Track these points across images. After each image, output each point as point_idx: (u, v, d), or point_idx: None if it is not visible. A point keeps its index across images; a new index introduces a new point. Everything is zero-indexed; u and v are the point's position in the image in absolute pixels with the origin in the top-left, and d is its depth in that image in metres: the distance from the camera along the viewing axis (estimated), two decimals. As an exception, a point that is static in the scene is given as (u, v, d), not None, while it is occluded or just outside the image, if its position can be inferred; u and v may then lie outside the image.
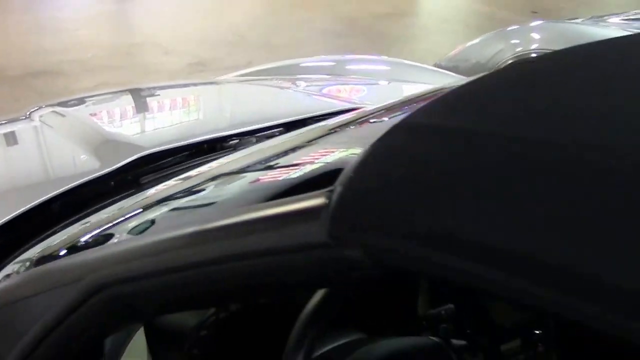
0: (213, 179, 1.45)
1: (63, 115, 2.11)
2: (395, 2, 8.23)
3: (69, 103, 2.24)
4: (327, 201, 0.72)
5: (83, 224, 1.39)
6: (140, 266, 0.88)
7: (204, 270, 0.83)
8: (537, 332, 1.47)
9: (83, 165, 1.79)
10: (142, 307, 0.91)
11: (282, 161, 1.48)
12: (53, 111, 2.14)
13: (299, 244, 0.75)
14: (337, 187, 0.72)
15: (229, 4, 7.96)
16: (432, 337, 1.23)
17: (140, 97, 2.43)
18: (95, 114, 2.24)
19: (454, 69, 3.31)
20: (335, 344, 1.16)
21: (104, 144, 1.87)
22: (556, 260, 0.51)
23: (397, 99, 1.81)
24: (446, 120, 0.71)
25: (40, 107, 2.18)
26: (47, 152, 1.97)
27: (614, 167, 0.54)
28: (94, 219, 1.39)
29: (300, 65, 3.01)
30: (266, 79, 2.67)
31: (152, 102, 2.44)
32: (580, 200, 0.53)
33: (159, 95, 2.52)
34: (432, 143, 0.69)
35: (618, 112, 0.61)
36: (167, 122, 2.28)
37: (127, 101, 2.42)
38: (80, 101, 2.30)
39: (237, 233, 0.83)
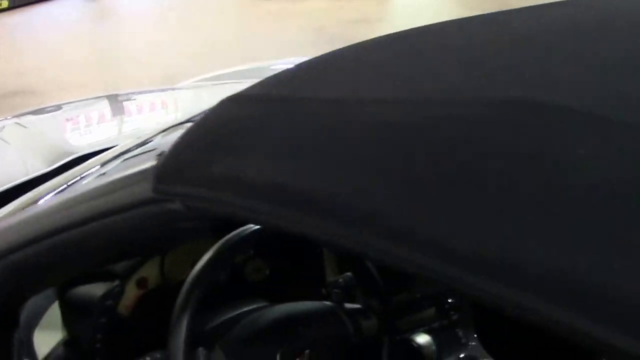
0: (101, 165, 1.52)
1: (25, 127, 2.20)
2: (365, 8, 8.36)
3: (46, 110, 2.33)
4: (154, 163, 0.85)
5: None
6: (24, 234, 1.00)
7: (64, 236, 0.96)
8: (450, 300, 1.53)
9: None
10: (32, 274, 1.04)
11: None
12: (16, 123, 2.22)
13: (132, 201, 0.88)
14: (166, 151, 0.85)
15: (204, 18, 8.04)
16: (325, 302, 1.29)
17: (116, 103, 2.52)
18: (71, 119, 2.33)
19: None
20: (234, 313, 1.25)
21: (60, 155, 1.96)
22: (344, 198, 0.61)
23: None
24: (255, 90, 0.84)
25: (5, 119, 2.27)
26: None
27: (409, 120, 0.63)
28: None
29: (271, 67, 3.06)
30: (236, 82, 2.74)
31: (128, 106, 2.53)
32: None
33: (134, 100, 2.61)
34: (239, 110, 0.82)
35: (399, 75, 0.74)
36: (133, 128, 2.38)
37: (104, 107, 2.50)
38: (57, 108, 2.39)
39: (85, 199, 0.97)
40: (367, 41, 0.87)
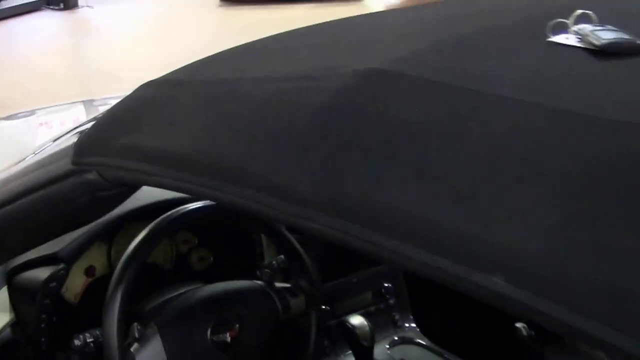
0: None
1: None
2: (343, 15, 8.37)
3: (19, 115, 2.30)
4: (76, 139, 0.96)
5: None
6: None
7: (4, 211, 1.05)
8: (387, 285, 1.62)
9: None
10: None
11: None
12: None
13: (56, 175, 0.96)
14: (87, 129, 0.95)
15: (182, 30, 8.03)
16: (256, 282, 1.38)
17: (92, 107, 2.50)
18: (45, 123, 2.29)
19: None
20: (172, 294, 1.34)
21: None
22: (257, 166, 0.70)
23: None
24: (166, 76, 0.96)
25: None
26: None
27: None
28: None
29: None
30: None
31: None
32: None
33: (110, 105, 2.57)
34: (147, 92, 0.94)
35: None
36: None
37: (79, 111, 2.47)
38: (31, 113, 2.35)
39: (16, 177, 1.05)
40: (267, 37, 1.01)
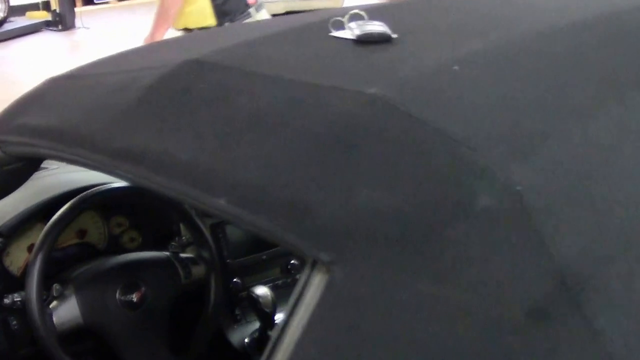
0: None
1: None
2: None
3: None
4: None
5: None
6: None
7: None
8: (293, 262, 1.80)
9: None
10: None
11: None
12: None
13: None
14: None
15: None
16: (163, 252, 1.61)
17: None
18: None
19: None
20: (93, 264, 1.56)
21: None
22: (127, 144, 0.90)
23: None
24: (71, 71, 1.17)
25: None
26: None
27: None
28: None
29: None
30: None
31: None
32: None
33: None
34: (51, 84, 1.15)
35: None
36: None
37: None
38: None
39: None
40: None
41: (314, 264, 0.68)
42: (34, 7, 10.45)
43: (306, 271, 0.68)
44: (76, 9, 9.97)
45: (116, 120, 0.92)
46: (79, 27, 9.61)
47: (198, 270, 1.61)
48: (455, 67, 0.82)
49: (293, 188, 0.71)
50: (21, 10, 10.25)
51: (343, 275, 0.65)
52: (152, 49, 1.28)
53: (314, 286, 0.67)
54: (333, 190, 0.69)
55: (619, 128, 0.77)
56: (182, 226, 1.68)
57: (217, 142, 0.81)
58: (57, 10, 9.67)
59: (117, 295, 1.49)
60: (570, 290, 0.60)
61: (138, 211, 1.73)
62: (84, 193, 1.50)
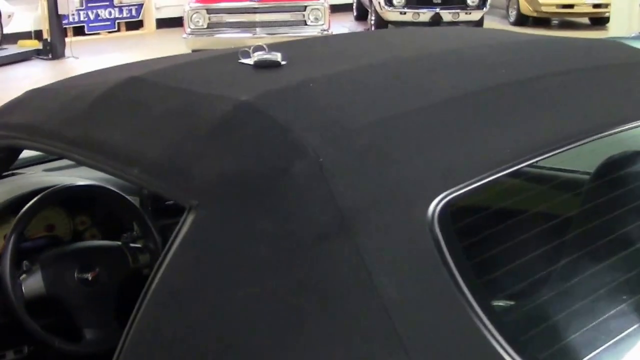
0: None
1: None
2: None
3: None
4: None
5: None
6: None
7: None
8: None
9: None
10: None
11: None
12: None
13: None
14: None
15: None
16: (115, 242, 1.88)
17: None
18: None
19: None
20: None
21: None
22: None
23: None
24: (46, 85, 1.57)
25: None
26: None
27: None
28: None
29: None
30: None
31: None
32: None
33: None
34: (29, 94, 1.53)
35: None
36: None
37: None
38: None
39: None
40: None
41: (188, 209, 1.00)
42: (26, 35, 10.77)
43: (184, 214, 1.00)
44: (67, 39, 10.27)
45: (72, 120, 1.30)
46: (69, 57, 9.90)
47: (144, 258, 1.87)
48: (311, 84, 1.18)
49: (178, 160, 1.08)
50: (14, 38, 10.56)
51: (206, 215, 0.99)
52: (109, 69, 1.62)
53: (187, 224, 0.99)
54: (201, 160, 1.04)
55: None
56: (134, 223, 1.94)
57: (137, 132, 1.20)
58: (48, 40, 9.98)
59: (75, 273, 1.76)
60: (345, 220, 0.92)
61: (99, 211, 2.02)
62: (50, 189, 1.81)
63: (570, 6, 11.74)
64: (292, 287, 0.89)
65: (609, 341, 1.03)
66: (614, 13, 9.11)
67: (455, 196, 0.99)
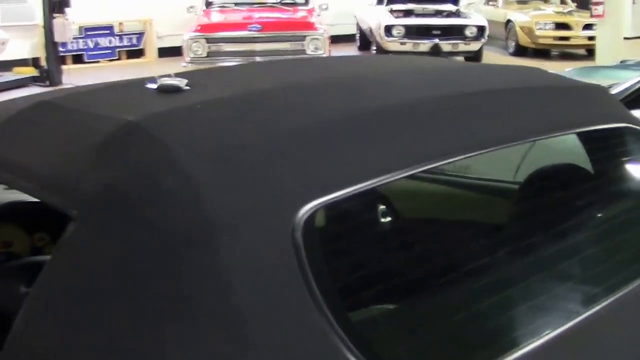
0: None
1: None
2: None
3: None
4: None
5: None
6: None
7: None
8: None
9: None
10: None
11: None
12: None
13: None
14: None
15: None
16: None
17: None
18: None
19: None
20: None
21: None
22: None
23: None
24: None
25: None
26: None
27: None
28: None
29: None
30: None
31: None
32: None
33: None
34: None
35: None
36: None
37: None
38: None
39: None
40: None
41: (70, 218, 1.09)
42: (22, 62, 10.69)
43: (69, 224, 1.09)
44: (66, 67, 10.22)
45: None
46: (66, 84, 9.82)
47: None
48: (199, 106, 1.26)
49: (66, 174, 1.17)
50: (9, 65, 10.49)
51: (82, 224, 1.07)
52: (27, 97, 1.73)
53: (68, 231, 1.08)
54: (84, 175, 1.13)
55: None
56: None
57: (38, 150, 1.30)
58: (45, 67, 9.91)
59: (22, 287, 1.71)
60: (210, 230, 0.99)
61: (59, 228, 2.00)
62: (1, 205, 1.91)
63: (566, 38, 11.95)
64: (155, 292, 0.96)
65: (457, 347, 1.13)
66: (599, 45, 9.99)
67: (322, 206, 1.07)
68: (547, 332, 1.14)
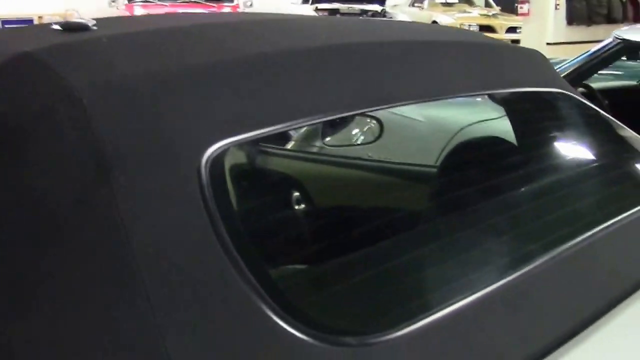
0: None
1: None
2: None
3: None
4: None
5: None
6: None
7: None
8: None
9: None
10: None
11: None
12: None
13: None
14: None
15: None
16: None
17: None
18: None
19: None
20: None
21: None
22: None
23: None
24: None
25: None
26: None
27: None
28: None
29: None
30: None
31: None
32: None
33: None
34: None
35: None
36: None
37: None
38: None
39: None
40: None
41: None
42: None
43: None
44: None
45: None
46: None
47: None
48: (104, 40, 1.15)
49: None
50: None
51: None
52: None
53: None
54: None
55: None
56: None
57: None
58: None
59: None
60: (106, 164, 0.89)
61: None
62: None
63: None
64: (44, 234, 0.88)
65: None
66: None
67: (232, 145, 0.99)
68: (476, 290, 1.08)
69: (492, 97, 1.68)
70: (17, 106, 0.99)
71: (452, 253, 1.22)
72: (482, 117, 1.84)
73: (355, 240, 1.18)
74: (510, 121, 1.71)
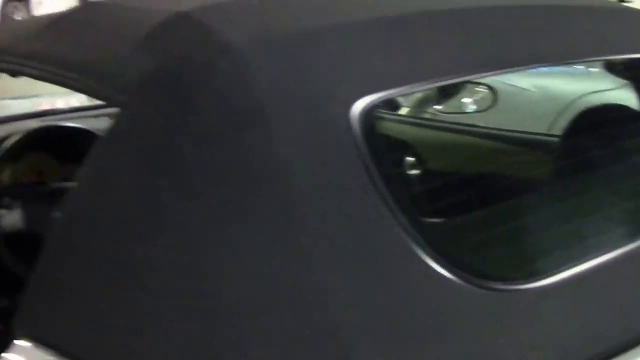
0: None
1: None
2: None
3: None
4: None
5: None
6: None
7: None
8: None
9: None
10: None
11: None
12: None
13: None
14: None
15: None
16: None
17: None
18: None
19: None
20: None
21: None
22: None
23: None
24: None
25: None
26: None
27: None
28: None
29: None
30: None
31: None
32: None
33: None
34: None
35: None
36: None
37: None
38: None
39: None
40: None
41: (118, 105, 1.05)
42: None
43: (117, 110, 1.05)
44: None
45: (28, 38, 1.34)
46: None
47: None
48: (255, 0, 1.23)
49: (112, 62, 1.12)
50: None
51: (133, 110, 1.02)
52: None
53: (117, 116, 1.04)
54: (132, 61, 1.08)
55: None
56: None
57: (81, 44, 1.23)
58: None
59: (54, 211, 1.66)
60: (264, 113, 0.96)
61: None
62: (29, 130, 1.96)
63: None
64: (208, 175, 0.92)
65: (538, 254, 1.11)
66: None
67: (384, 100, 1.02)
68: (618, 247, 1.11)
69: (616, 63, 1.70)
70: (178, 59, 1.05)
71: (593, 211, 1.26)
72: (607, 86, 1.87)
73: (507, 196, 1.23)
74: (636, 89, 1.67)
